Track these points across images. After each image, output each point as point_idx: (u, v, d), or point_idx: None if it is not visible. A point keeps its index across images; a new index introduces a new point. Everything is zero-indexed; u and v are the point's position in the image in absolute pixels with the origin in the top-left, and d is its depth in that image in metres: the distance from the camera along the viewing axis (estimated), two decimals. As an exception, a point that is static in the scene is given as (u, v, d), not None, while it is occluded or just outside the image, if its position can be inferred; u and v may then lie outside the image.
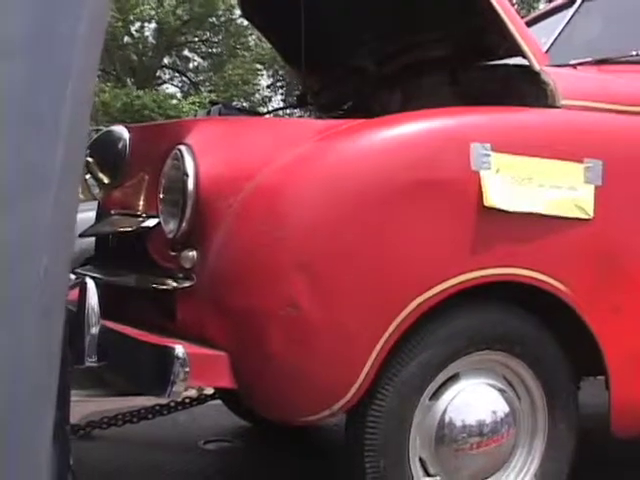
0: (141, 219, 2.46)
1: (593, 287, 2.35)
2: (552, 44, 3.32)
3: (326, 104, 3.61)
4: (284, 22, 3.27)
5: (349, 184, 2.12)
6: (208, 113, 3.87)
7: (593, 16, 3.39)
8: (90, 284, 2.24)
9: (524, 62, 2.47)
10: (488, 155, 2.20)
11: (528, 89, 2.47)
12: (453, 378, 2.31)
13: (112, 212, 2.68)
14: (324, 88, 3.61)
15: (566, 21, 3.38)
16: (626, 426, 2.45)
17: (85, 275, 2.45)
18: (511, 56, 2.57)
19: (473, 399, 2.33)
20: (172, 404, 3.27)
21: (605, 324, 2.35)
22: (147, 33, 26.71)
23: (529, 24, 3.70)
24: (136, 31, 26.39)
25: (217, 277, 2.17)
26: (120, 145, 2.63)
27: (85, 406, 3.50)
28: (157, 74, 27.75)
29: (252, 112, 4.20)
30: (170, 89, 27.97)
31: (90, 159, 2.66)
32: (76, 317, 2.25)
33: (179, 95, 26.58)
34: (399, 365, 2.19)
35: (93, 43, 0.98)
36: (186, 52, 28.56)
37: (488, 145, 2.21)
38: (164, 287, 2.26)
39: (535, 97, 2.43)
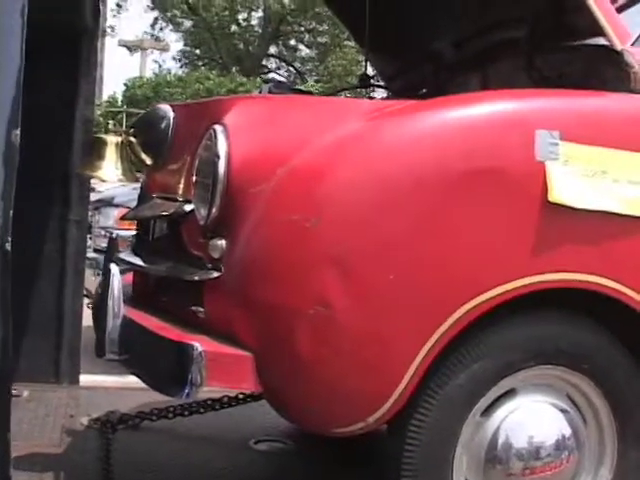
0: (178, 204, 2.31)
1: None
2: None
3: (400, 89, 3.42)
4: (358, 5, 3.12)
5: (394, 171, 1.93)
6: (260, 92, 3.71)
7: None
8: (114, 270, 2.11)
9: (605, 42, 2.22)
10: (556, 144, 2.00)
11: (610, 72, 2.24)
12: (509, 394, 2.11)
13: (153, 195, 2.54)
14: (399, 73, 3.45)
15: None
16: None
17: (118, 261, 2.32)
18: (592, 36, 2.32)
19: (530, 418, 2.12)
20: (225, 399, 3.17)
21: None
22: (254, 22, 27.00)
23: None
24: (243, 19, 26.67)
25: (244, 269, 2.00)
26: (164, 124, 2.47)
27: (136, 396, 3.41)
28: (263, 63, 27.99)
29: (305, 92, 4.02)
30: (276, 78, 28.19)
31: (133, 139, 2.52)
32: (100, 306, 2.13)
33: (284, 84, 26.74)
34: (445, 376, 2.01)
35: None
36: (292, 42, 28.71)
37: (556, 133, 2.00)
38: (192, 278, 2.10)
39: (617, 81, 2.20)
